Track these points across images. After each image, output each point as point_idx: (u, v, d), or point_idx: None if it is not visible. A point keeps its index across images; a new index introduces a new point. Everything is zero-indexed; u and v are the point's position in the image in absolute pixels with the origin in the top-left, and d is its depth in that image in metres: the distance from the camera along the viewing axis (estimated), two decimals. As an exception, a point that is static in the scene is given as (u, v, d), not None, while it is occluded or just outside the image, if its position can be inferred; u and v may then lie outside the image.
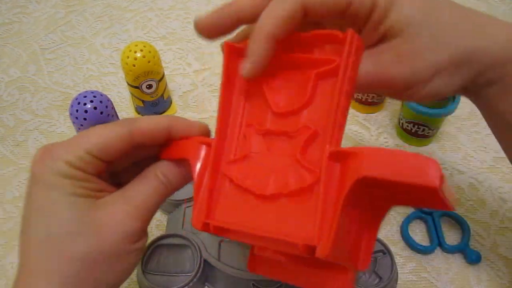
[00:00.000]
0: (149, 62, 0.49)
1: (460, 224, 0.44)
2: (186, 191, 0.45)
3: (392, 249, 0.41)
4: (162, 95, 0.54)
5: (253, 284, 0.39)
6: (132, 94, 0.53)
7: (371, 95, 0.53)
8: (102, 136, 0.26)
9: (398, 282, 0.40)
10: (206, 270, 0.40)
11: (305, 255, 0.22)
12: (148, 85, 0.51)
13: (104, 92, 0.45)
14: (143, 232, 0.27)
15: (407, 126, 0.51)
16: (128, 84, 0.51)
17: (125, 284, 0.41)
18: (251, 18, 0.26)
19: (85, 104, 0.42)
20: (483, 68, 0.27)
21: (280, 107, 0.26)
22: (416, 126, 0.50)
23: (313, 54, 0.26)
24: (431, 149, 0.52)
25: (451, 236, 0.44)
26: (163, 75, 0.53)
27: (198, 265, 0.39)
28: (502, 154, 0.51)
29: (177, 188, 0.28)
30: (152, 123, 0.27)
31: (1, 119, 0.58)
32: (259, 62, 0.25)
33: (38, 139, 0.55)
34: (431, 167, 0.19)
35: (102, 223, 0.25)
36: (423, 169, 0.19)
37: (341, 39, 0.24)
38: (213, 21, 0.27)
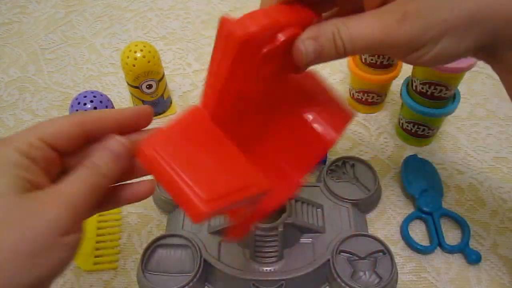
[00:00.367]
0: (149, 62, 0.49)
1: (460, 224, 0.44)
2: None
3: (392, 249, 0.41)
4: (162, 95, 0.54)
5: (253, 284, 0.39)
6: (132, 94, 0.53)
7: (371, 95, 0.53)
8: (55, 123, 0.27)
9: (398, 282, 0.40)
10: (206, 270, 0.40)
11: None
12: (148, 85, 0.51)
13: (104, 92, 0.45)
14: (75, 226, 0.25)
15: (407, 126, 0.51)
16: (128, 84, 0.51)
17: (125, 284, 0.42)
18: None
19: (85, 104, 0.43)
20: (499, 28, 0.26)
21: None
22: (416, 126, 0.50)
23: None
24: (431, 149, 0.52)
25: (451, 236, 0.44)
26: (163, 75, 0.53)
27: (198, 265, 0.39)
28: (502, 154, 0.51)
29: (115, 176, 0.27)
30: (102, 111, 0.29)
31: (1, 119, 0.58)
32: None
33: (38, 139, 0.55)
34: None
35: (29, 213, 0.24)
36: None
37: None
38: None
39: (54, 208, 0.24)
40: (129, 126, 0.29)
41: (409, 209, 0.46)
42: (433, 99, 0.46)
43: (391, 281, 0.38)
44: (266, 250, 0.40)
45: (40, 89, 0.61)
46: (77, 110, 0.42)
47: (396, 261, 0.40)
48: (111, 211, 0.40)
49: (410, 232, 0.44)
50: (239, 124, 0.30)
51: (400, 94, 0.49)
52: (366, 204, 0.45)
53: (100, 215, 0.46)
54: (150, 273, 0.40)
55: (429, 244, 0.43)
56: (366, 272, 0.39)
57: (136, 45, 0.49)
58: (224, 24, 0.24)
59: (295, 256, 0.40)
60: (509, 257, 0.42)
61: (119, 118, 0.29)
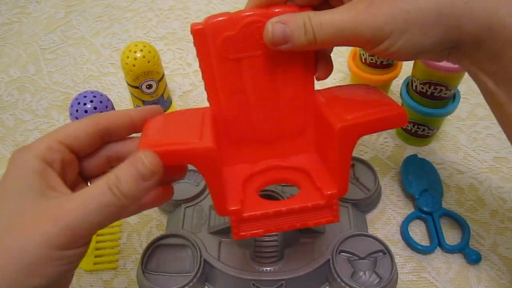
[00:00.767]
0: (149, 62, 0.49)
1: (460, 224, 0.44)
2: (186, 191, 0.45)
3: (392, 249, 0.41)
4: (162, 95, 0.54)
5: (253, 284, 0.39)
6: (132, 94, 0.53)
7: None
8: (71, 125, 0.28)
9: (398, 282, 0.40)
10: (206, 270, 0.40)
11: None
12: (148, 85, 0.51)
13: (104, 92, 0.45)
14: (74, 242, 0.24)
15: (407, 126, 0.51)
16: (128, 84, 0.51)
17: (125, 284, 0.42)
18: None
19: (85, 104, 0.43)
20: (462, 24, 0.26)
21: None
22: (416, 126, 0.50)
23: None
24: (431, 149, 0.52)
25: (451, 236, 0.44)
26: (163, 75, 0.53)
27: (198, 265, 0.39)
28: (502, 154, 0.51)
29: (130, 194, 0.25)
30: (116, 111, 0.30)
31: (1, 119, 0.58)
32: None
33: (38, 139, 0.55)
34: None
35: (31, 221, 0.24)
36: None
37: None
38: None
39: (48, 223, 0.24)
40: (142, 125, 0.30)
41: (409, 209, 0.46)
42: (433, 99, 0.46)
43: (391, 281, 0.38)
44: (266, 250, 0.40)
45: (40, 89, 0.61)
46: (77, 110, 0.42)
47: (396, 261, 0.40)
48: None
49: (410, 232, 0.44)
50: (248, 122, 0.32)
51: (400, 94, 0.49)
52: (366, 204, 0.45)
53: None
54: (150, 273, 0.40)
55: (429, 244, 0.43)
56: (366, 272, 0.39)
57: (136, 45, 0.49)
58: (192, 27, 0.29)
59: (295, 256, 0.40)
60: (509, 257, 0.42)
61: (133, 116, 0.30)
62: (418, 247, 0.42)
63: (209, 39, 0.29)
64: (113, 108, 0.45)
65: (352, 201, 0.44)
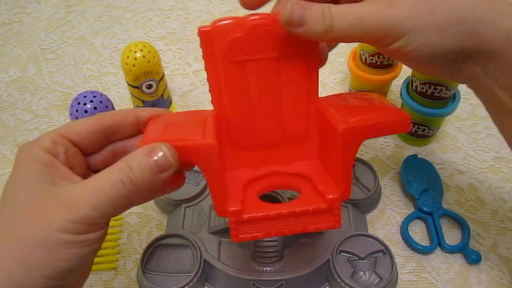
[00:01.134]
0: (149, 62, 0.49)
1: (460, 224, 0.44)
2: (186, 191, 0.45)
3: (392, 249, 0.41)
4: (162, 95, 0.54)
5: (253, 284, 0.39)
6: (132, 94, 0.53)
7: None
8: (76, 122, 0.29)
9: (398, 282, 0.40)
10: (206, 270, 0.40)
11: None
12: (148, 85, 0.51)
13: (104, 92, 0.45)
14: (91, 228, 0.25)
15: (407, 126, 0.51)
16: (128, 84, 0.51)
17: (125, 284, 0.42)
18: None
19: (85, 104, 0.43)
20: (482, 33, 0.26)
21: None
22: (416, 126, 0.50)
23: None
24: (431, 149, 0.52)
25: (451, 236, 0.44)
26: (163, 75, 0.53)
27: (198, 265, 0.39)
28: (502, 154, 0.51)
29: (144, 185, 0.25)
30: (122, 110, 0.30)
31: (1, 119, 0.58)
32: None
33: (38, 139, 0.55)
34: None
35: (45, 209, 0.24)
36: None
37: None
38: None
39: (64, 213, 0.24)
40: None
41: (409, 209, 0.46)
42: (433, 99, 0.46)
43: (391, 281, 0.38)
44: (266, 250, 0.40)
45: (40, 89, 0.61)
46: (77, 110, 0.42)
47: (396, 261, 0.40)
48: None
49: (410, 232, 0.44)
50: (252, 124, 0.32)
51: (400, 94, 0.49)
52: (366, 204, 0.45)
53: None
54: (150, 273, 0.40)
55: (429, 244, 0.43)
56: (366, 272, 0.39)
57: (136, 45, 0.49)
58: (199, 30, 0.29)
59: (295, 256, 0.40)
60: (509, 257, 0.42)
61: (139, 116, 0.30)
62: (418, 247, 0.42)
63: (216, 41, 0.29)
64: (113, 108, 0.45)
65: (352, 201, 0.44)
